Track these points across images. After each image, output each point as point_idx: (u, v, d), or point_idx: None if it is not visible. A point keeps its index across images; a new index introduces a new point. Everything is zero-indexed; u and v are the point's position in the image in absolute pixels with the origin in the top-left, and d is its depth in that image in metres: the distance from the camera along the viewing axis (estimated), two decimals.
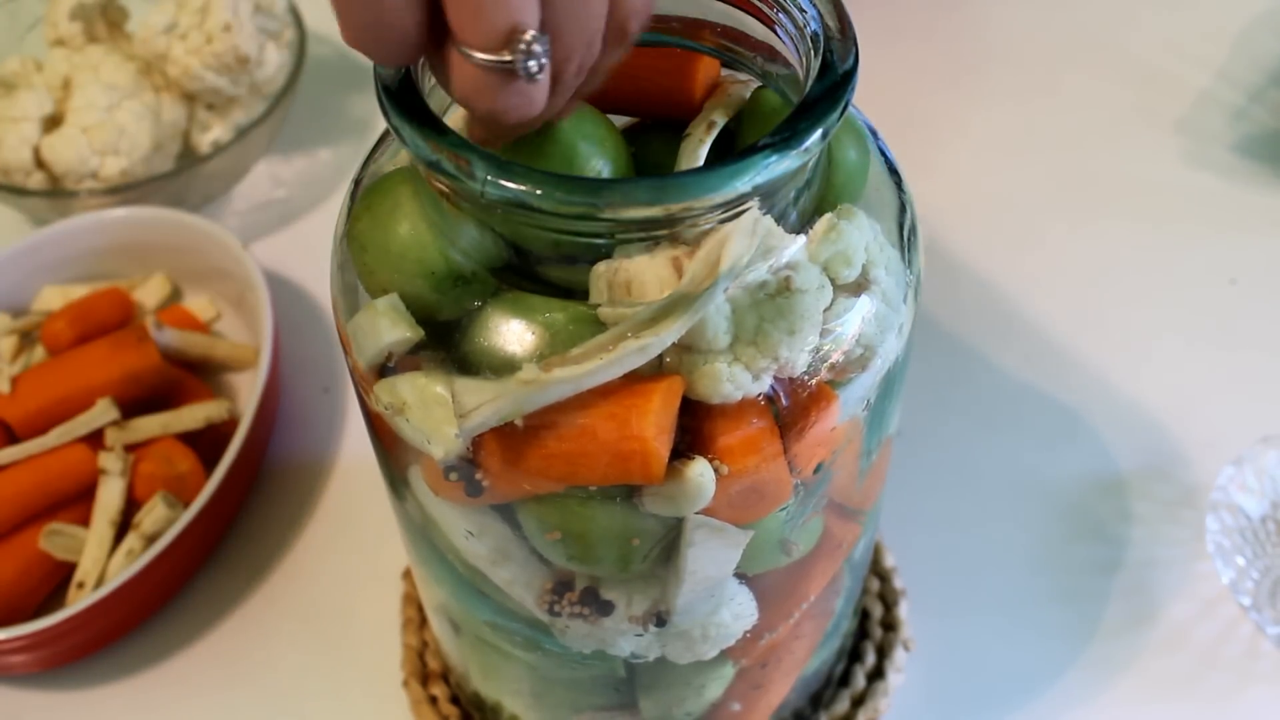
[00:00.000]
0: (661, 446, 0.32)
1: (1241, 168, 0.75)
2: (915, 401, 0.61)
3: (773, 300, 0.32)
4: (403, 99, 0.32)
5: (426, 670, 0.55)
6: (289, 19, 0.76)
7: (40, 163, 0.71)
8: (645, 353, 0.31)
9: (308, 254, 0.73)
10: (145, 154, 0.71)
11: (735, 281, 0.32)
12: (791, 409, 0.34)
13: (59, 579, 0.58)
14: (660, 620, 0.38)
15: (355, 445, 0.64)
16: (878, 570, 0.57)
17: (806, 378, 0.34)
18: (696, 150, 0.37)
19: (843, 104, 0.32)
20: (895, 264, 0.36)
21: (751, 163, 0.30)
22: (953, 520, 0.60)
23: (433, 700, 0.54)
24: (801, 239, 0.33)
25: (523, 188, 0.30)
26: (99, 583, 0.55)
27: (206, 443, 0.60)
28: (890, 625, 0.55)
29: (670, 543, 0.35)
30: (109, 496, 0.57)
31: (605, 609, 0.37)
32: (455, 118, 0.36)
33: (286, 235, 0.75)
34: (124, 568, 0.54)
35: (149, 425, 0.60)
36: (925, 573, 0.57)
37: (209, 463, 0.59)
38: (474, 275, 0.34)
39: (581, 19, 0.30)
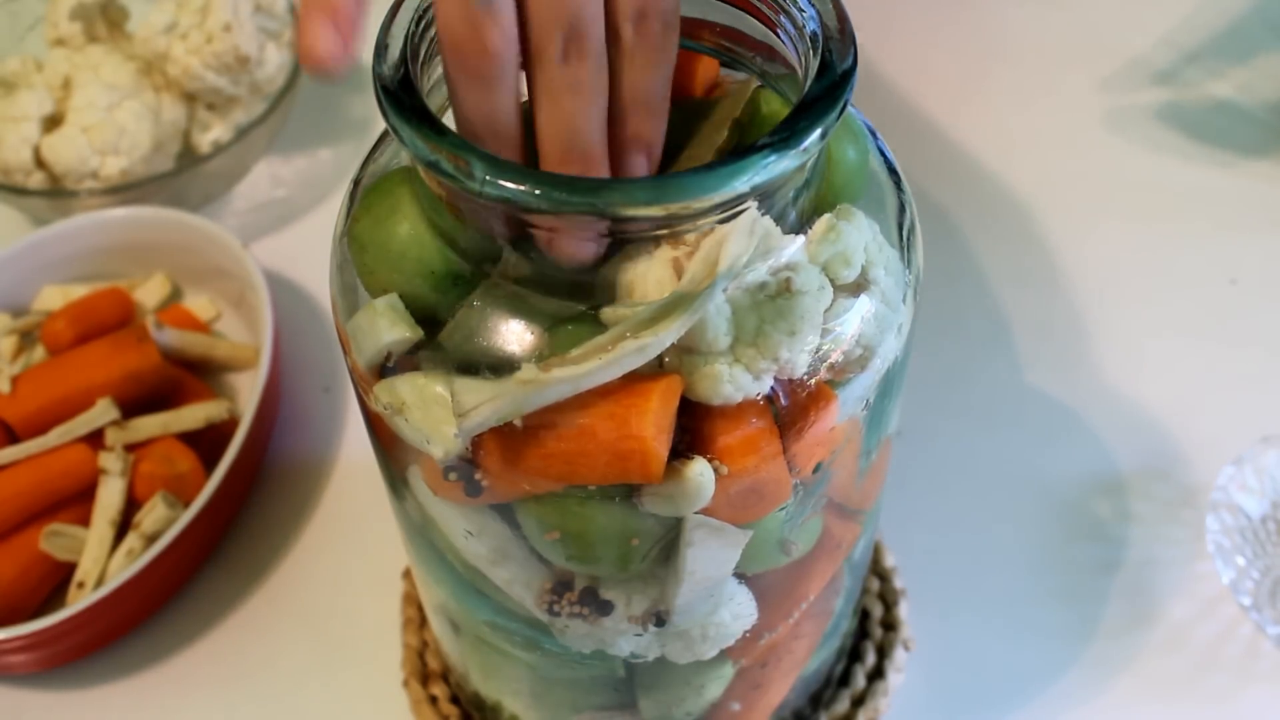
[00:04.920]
0: (660, 446, 0.32)
1: (1243, 167, 0.75)
2: (915, 401, 0.61)
3: (773, 301, 0.32)
4: (401, 99, 0.32)
5: (426, 670, 0.55)
6: (289, 19, 0.76)
7: (40, 162, 0.71)
8: (644, 353, 0.31)
9: (308, 254, 0.73)
10: (145, 154, 0.71)
11: (734, 282, 0.32)
12: (791, 409, 0.34)
13: (59, 579, 0.58)
14: (660, 620, 0.38)
15: (355, 445, 0.64)
16: (878, 570, 0.57)
17: (806, 378, 0.34)
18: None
19: (842, 103, 0.32)
20: (894, 264, 0.36)
21: (750, 162, 0.30)
22: (953, 520, 0.60)
23: (433, 700, 0.54)
24: (801, 239, 0.33)
25: (521, 188, 0.30)
26: (99, 583, 0.55)
27: (206, 443, 0.60)
28: (890, 625, 0.55)
29: (669, 543, 0.35)
30: (109, 496, 0.57)
31: (605, 609, 0.37)
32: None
33: (286, 235, 0.75)
34: (124, 568, 0.54)
35: (149, 425, 0.60)
36: (925, 573, 0.57)
37: (209, 463, 0.59)
38: (474, 275, 0.34)
39: None
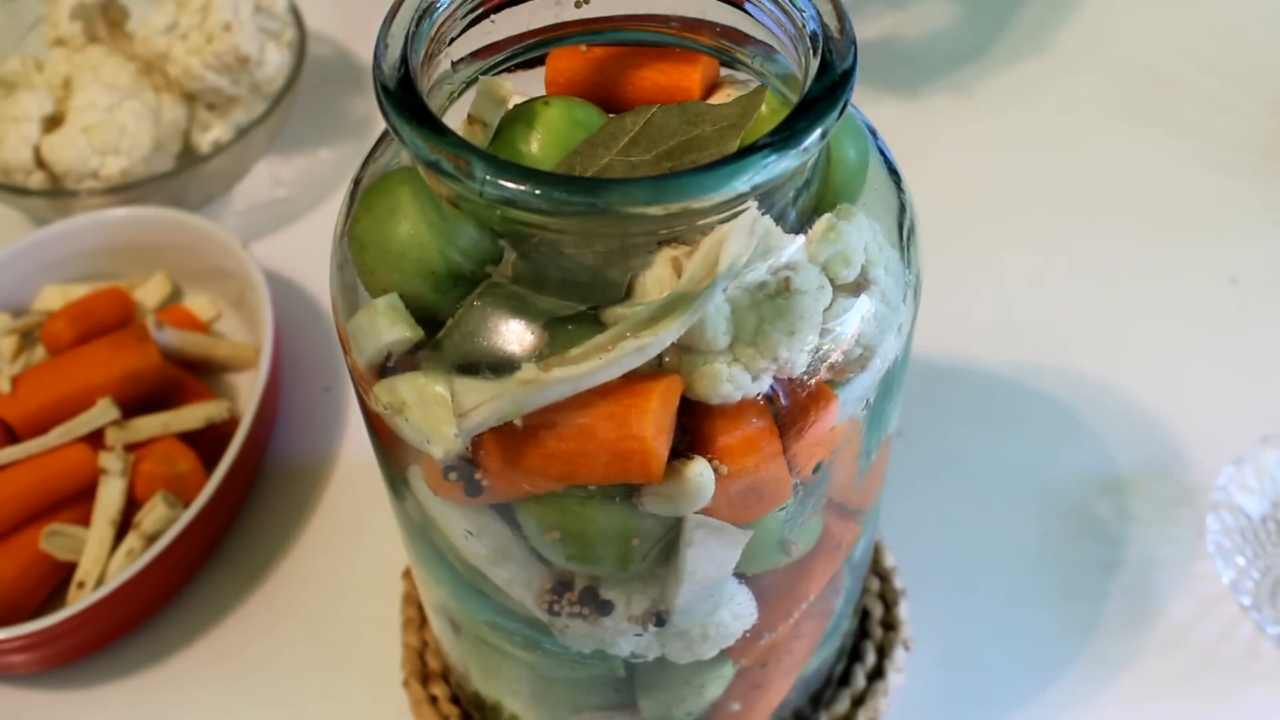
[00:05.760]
0: (660, 446, 0.32)
1: (1242, 167, 0.75)
2: (915, 401, 0.61)
3: (772, 301, 0.32)
4: (402, 99, 0.32)
5: (426, 670, 0.55)
6: (289, 19, 0.76)
7: (41, 162, 0.71)
8: (644, 353, 0.31)
9: (308, 254, 0.73)
10: (145, 154, 0.71)
11: (734, 281, 0.32)
12: (791, 409, 0.34)
13: (59, 579, 0.58)
14: (660, 620, 0.38)
15: (355, 445, 0.64)
16: (878, 570, 0.57)
17: (806, 377, 0.34)
18: None
19: (842, 103, 0.32)
20: (894, 264, 0.36)
21: (750, 162, 0.30)
22: (953, 520, 0.60)
23: (433, 700, 0.54)
24: (801, 239, 0.33)
25: (521, 188, 0.30)
26: (99, 583, 0.55)
27: (207, 443, 0.60)
28: (890, 625, 0.55)
29: (669, 542, 0.35)
30: (109, 496, 0.57)
31: (605, 609, 0.37)
32: (455, 118, 0.36)
33: (286, 235, 0.75)
34: (124, 567, 0.54)
35: (149, 425, 0.60)
36: (925, 573, 0.57)
37: (209, 463, 0.59)
38: (474, 275, 0.34)
39: None
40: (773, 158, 0.30)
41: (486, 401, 0.32)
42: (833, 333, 0.34)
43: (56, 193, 0.70)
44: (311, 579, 0.60)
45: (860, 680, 0.53)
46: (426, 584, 0.46)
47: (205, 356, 0.65)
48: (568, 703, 0.46)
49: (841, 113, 0.32)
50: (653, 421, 0.32)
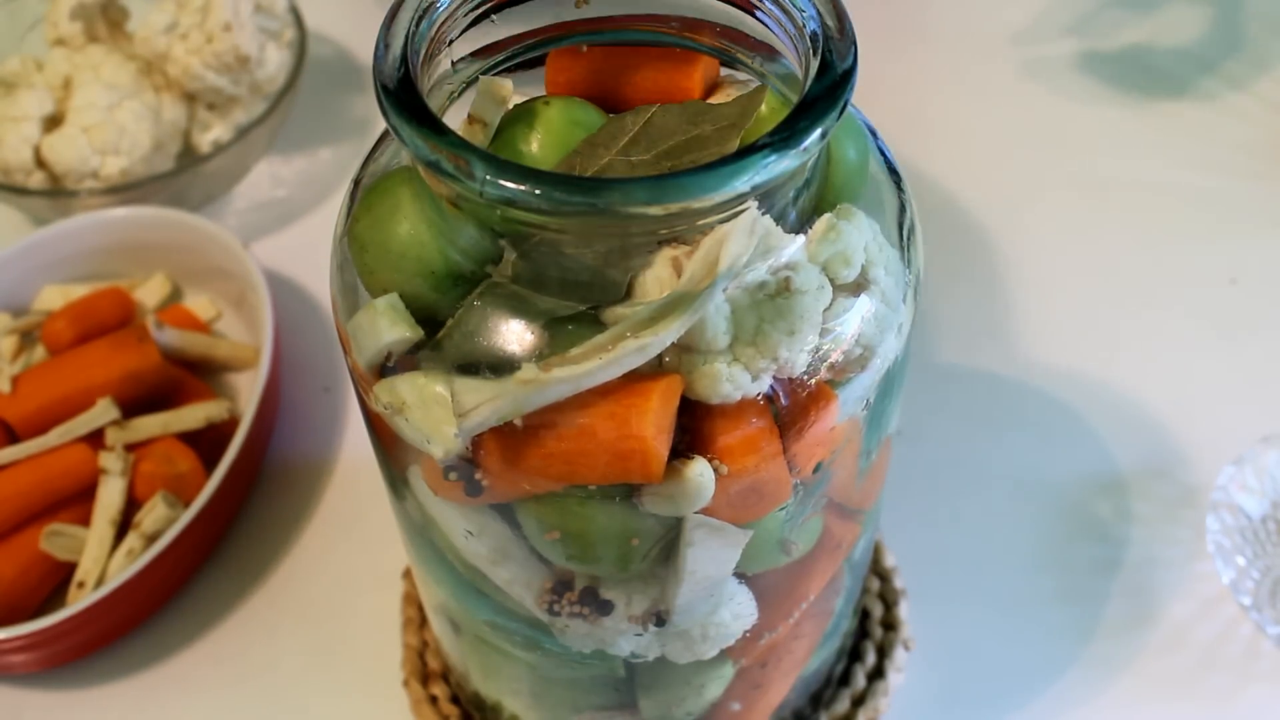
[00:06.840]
0: (660, 445, 0.32)
1: (1244, 168, 0.75)
2: (915, 401, 0.61)
3: (772, 300, 0.32)
4: (402, 99, 0.32)
5: (426, 670, 0.55)
6: (289, 19, 0.76)
7: (41, 162, 0.71)
8: (644, 352, 0.31)
9: (308, 254, 0.73)
10: (145, 154, 0.71)
11: (734, 281, 0.32)
12: (791, 409, 0.34)
13: (59, 579, 0.58)
14: (660, 620, 0.38)
15: (355, 445, 0.64)
16: (878, 570, 0.57)
17: (806, 377, 0.34)
18: None
19: (842, 103, 0.32)
20: (894, 264, 0.36)
21: (750, 162, 0.30)
22: (953, 520, 0.60)
23: (433, 700, 0.54)
24: (801, 239, 0.33)
25: (521, 188, 0.30)
26: (99, 582, 0.55)
27: (207, 442, 0.60)
28: (890, 625, 0.55)
29: (670, 542, 0.35)
30: (109, 496, 0.57)
31: (605, 609, 0.37)
32: (455, 118, 0.36)
33: (286, 235, 0.75)
34: (124, 567, 0.54)
35: (149, 425, 0.60)
36: (925, 573, 0.57)
37: (209, 462, 0.59)
38: (474, 275, 0.34)
39: None
40: (773, 158, 0.30)
41: (486, 401, 0.32)
42: (833, 333, 0.34)
43: (56, 193, 0.70)
44: (311, 579, 0.60)
45: (860, 680, 0.53)
46: (426, 584, 0.46)
47: (205, 356, 0.65)
48: (568, 703, 0.46)
49: (842, 113, 0.32)
50: (653, 421, 0.32)
